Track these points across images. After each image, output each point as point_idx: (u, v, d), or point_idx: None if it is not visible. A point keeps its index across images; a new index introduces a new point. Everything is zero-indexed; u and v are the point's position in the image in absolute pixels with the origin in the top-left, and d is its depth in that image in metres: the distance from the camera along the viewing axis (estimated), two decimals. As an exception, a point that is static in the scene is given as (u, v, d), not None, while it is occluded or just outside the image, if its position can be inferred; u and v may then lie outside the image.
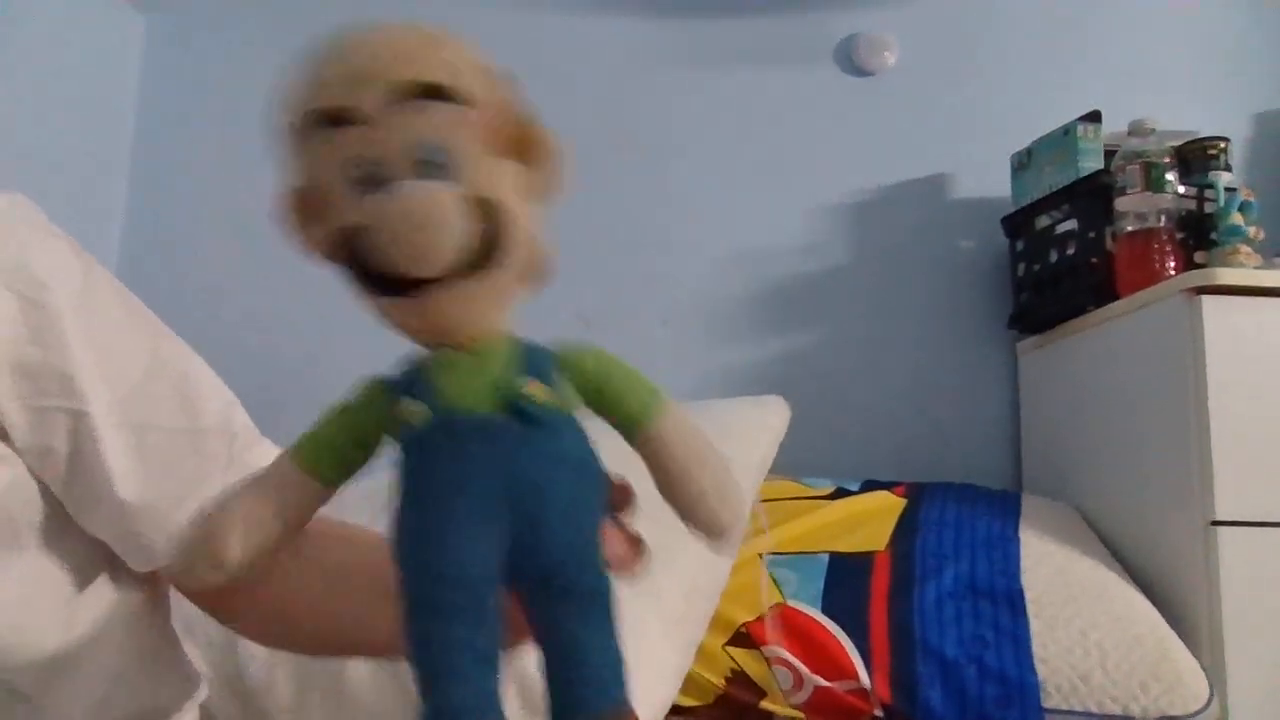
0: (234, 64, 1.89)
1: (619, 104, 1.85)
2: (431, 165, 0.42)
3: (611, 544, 0.45)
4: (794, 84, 1.86)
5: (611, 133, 1.83)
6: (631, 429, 0.46)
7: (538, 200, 0.47)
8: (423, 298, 0.41)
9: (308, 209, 0.45)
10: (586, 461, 0.44)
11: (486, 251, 0.42)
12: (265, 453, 0.65)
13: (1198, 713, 1.09)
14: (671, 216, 1.81)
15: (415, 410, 0.42)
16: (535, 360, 0.44)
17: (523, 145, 0.46)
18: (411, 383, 0.44)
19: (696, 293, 1.79)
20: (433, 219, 0.40)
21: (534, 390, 0.43)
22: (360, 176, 0.42)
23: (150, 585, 0.67)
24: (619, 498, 0.47)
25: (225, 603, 0.66)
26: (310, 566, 0.62)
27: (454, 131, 0.42)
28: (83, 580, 0.62)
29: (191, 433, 0.63)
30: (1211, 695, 1.11)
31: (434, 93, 0.42)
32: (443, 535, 0.41)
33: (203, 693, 0.72)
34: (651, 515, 1.20)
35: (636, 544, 0.47)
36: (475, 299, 0.43)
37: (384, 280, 0.41)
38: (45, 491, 0.59)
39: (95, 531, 0.61)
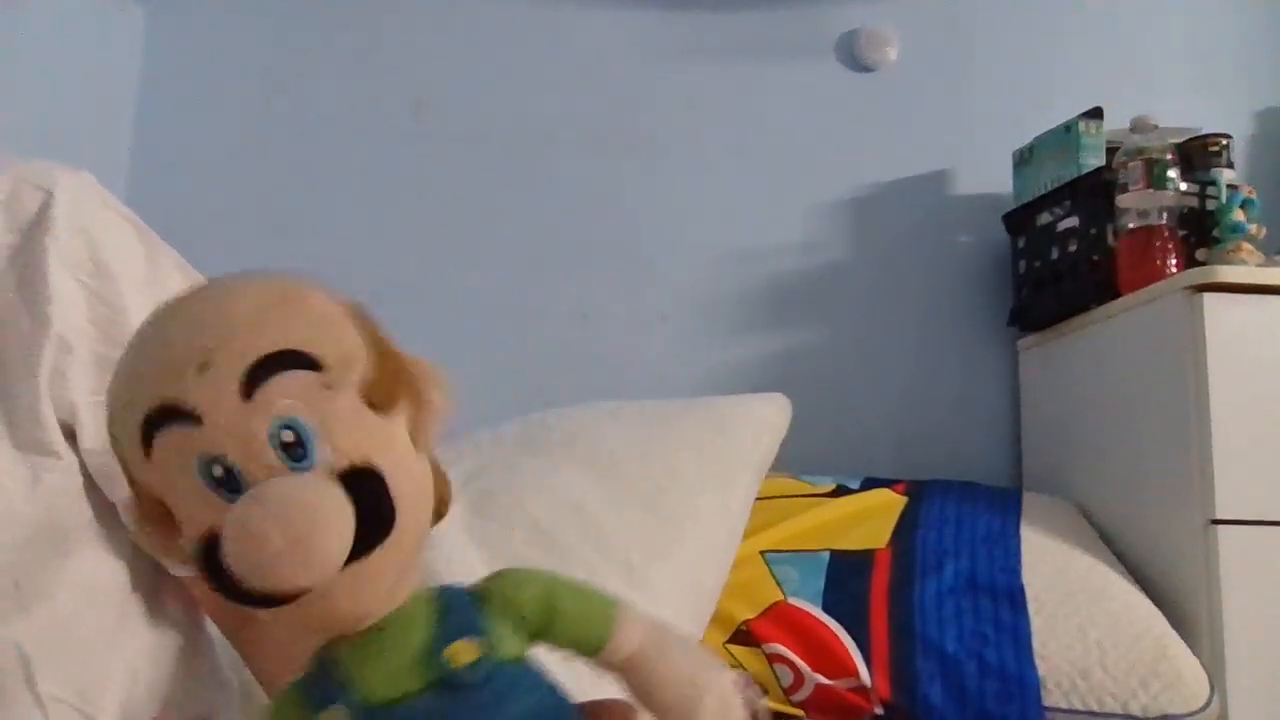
0: (234, 57, 1.88)
1: (618, 98, 1.84)
2: (289, 446, 0.37)
3: None
4: (795, 79, 1.85)
5: (610, 127, 1.83)
6: (593, 649, 0.42)
7: (428, 436, 0.42)
8: (307, 603, 0.37)
9: (161, 517, 0.40)
10: (547, 708, 0.41)
11: (372, 531, 0.37)
12: None
13: (1198, 711, 1.09)
14: (671, 212, 1.81)
15: (338, 715, 0.38)
16: (457, 612, 0.40)
17: (400, 388, 0.41)
18: (324, 685, 0.39)
19: (696, 288, 1.78)
20: (313, 530, 0.35)
21: (461, 652, 0.39)
22: (215, 477, 0.37)
23: (195, 590, 0.66)
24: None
25: (237, 630, 0.65)
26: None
27: (312, 401, 0.37)
28: (132, 587, 0.61)
29: None
30: (1211, 693, 1.11)
31: (280, 363, 0.37)
32: None
33: (236, 700, 0.72)
34: (649, 508, 1.20)
35: None
36: (369, 580, 0.38)
37: (259, 594, 0.36)
38: (91, 495, 0.58)
39: None
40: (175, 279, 0.63)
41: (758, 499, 1.26)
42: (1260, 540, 1.19)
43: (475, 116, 1.83)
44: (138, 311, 0.58)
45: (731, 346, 1.76)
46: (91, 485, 0.58)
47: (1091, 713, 1.10)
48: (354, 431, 0.38)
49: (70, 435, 0.57)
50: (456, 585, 0.42)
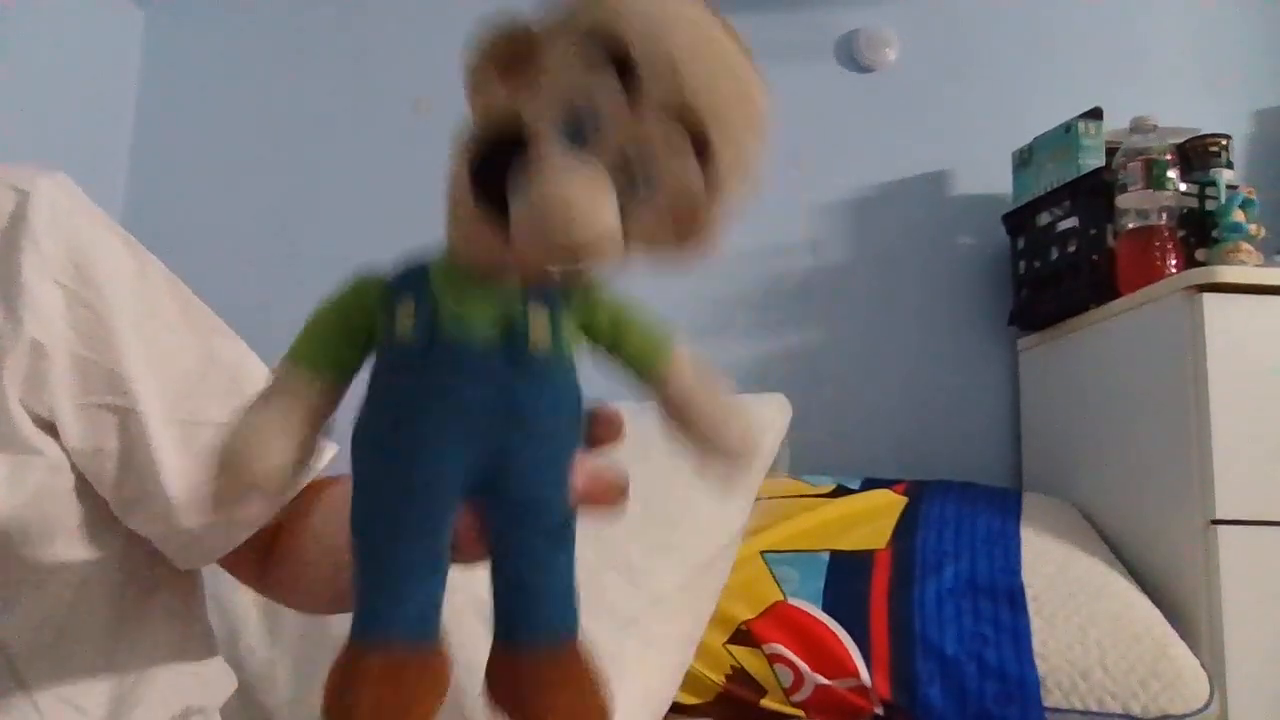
0: (234, 57, 1.89)
1: (619, 100, 1.84)
2: (633, 173, 0.38)
3: (583, 478, 0.43)
4: (794, 80, 1.85)
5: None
6: (646, 370, 0.44)
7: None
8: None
9: (511, 70, 0.40)
10: (572, 398, 0.42)
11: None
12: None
13: (1198, 711, 1.09)
14: (671, 213, 1.81)
15: (410, 319, 0.40)
16: (549, 298, 0.42)
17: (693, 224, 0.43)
18: (412, 288, 0.41)
19: (695, 289, 1.78)
20: (589, 228, 0.36)
21: (537, 324, 0.41)
22: (578, 120, 0.37)
23: (189, 583, 0.67)
24: (606, 431, 0.45)
25: (260, 567, 0.66)
26: (333, 524, 0.62)
27: (683, 155, 0.38)
28: (126, 583, 0.62)
29: None
30: (1211, 694, 1.11)
31: (704, 140, 0.38)
32: (414, 450, 0.39)
33: (232, 688, 0.72)
34: (648, 508, 1.21)
35: (613, 482, 0.46)
36: None
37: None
38: (83, 492, 0.58)
39: (142, 529, 0.60)
40: (164, 287, 0.62)
41: (758, 499, 1.26)
42: (1260, 540, 1.19)
43: (475, 117, 1.83)
44: (123, 317, 0.57)
45: (731, 347, 1.76)
46: (84, 484, 0.58)
47: (1091, 713, 1.10)
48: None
49: (54, 437, 0.56)
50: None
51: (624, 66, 0.37)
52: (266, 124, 1.86)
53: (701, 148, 0.38)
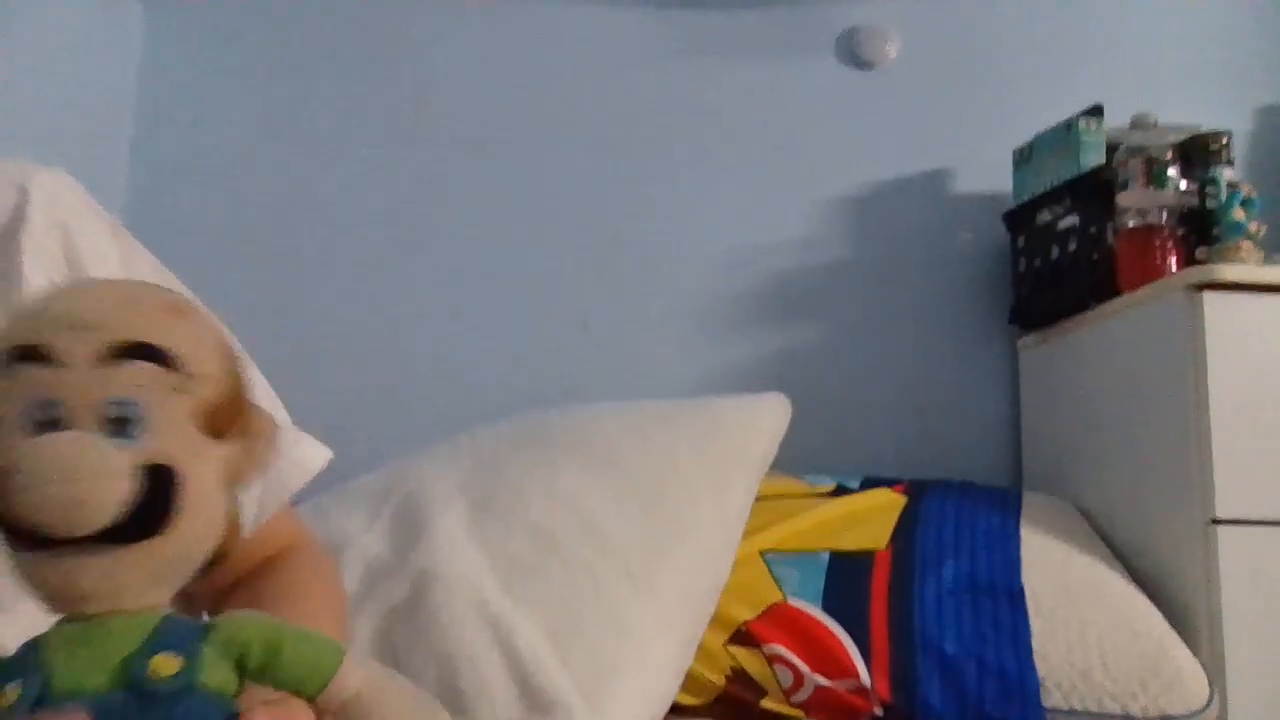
0: (234, 57, 1.88)
1: (617, 97, 1.84)
2: (117, 422, 0.39)
3: None
4: (794, 77, 1.85)
5: (610, 126, 1.83)
6: (314, 693, 0.43)
7: (240, 481, 0.44)
8: (61, 557, 0.39)
9: None
10: None
11: (148, 519, 0.39)
12: (306, 447, 0.65)
13: (1198, 711, 1.09)
14: (670, 211, 1.81)
15: (10, 695, 0.39)
16: (180, 634, 0.41)
17: (235, 426, 0.44)
18: (23, 662, 0.41)
19: (695, 288, 1.78)
20: (84, 470, 0.37)
21: (162, 664, 0.40)
22: (40, 420, 0.39)
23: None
24: None
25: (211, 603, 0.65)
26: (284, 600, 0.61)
27: (150, 392, 0.40)
28: None
29: None
30: (1211, 694, 1.11)
31: (144, 353, 0.40)
32: None
33: None
34: (648, 507, 1.20)
35: None
36: (124, 568, 0.40)
37: (22, 533, 0.38)
38: None
39: None
40: (147, 275, 0.62)
41: (757, 499, 1.26)
42: (1260, 540, 1.19)
43: (475, 117, 1.83)
44: None
45: (731, 346, 1.76)
46: None
47: (1091, 713, 1.10)
48: (175, 439, 0.41)
49: None
50: (186, 619, 0.44)
51: (35, 355, 0.40)
52: (267, 121, 1.86)
53: (148, 355, 0.41)
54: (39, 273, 0.56)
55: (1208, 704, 1.10)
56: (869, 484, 1.42)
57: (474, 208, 1.81)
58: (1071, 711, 1.10)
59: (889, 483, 1.43)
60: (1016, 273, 1.67)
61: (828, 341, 1.77)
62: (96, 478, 0.38)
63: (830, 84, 1.85)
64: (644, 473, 1.18)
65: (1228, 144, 1.51)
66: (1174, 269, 1.36)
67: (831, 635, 1.14)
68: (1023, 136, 1.66)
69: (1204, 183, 1.47)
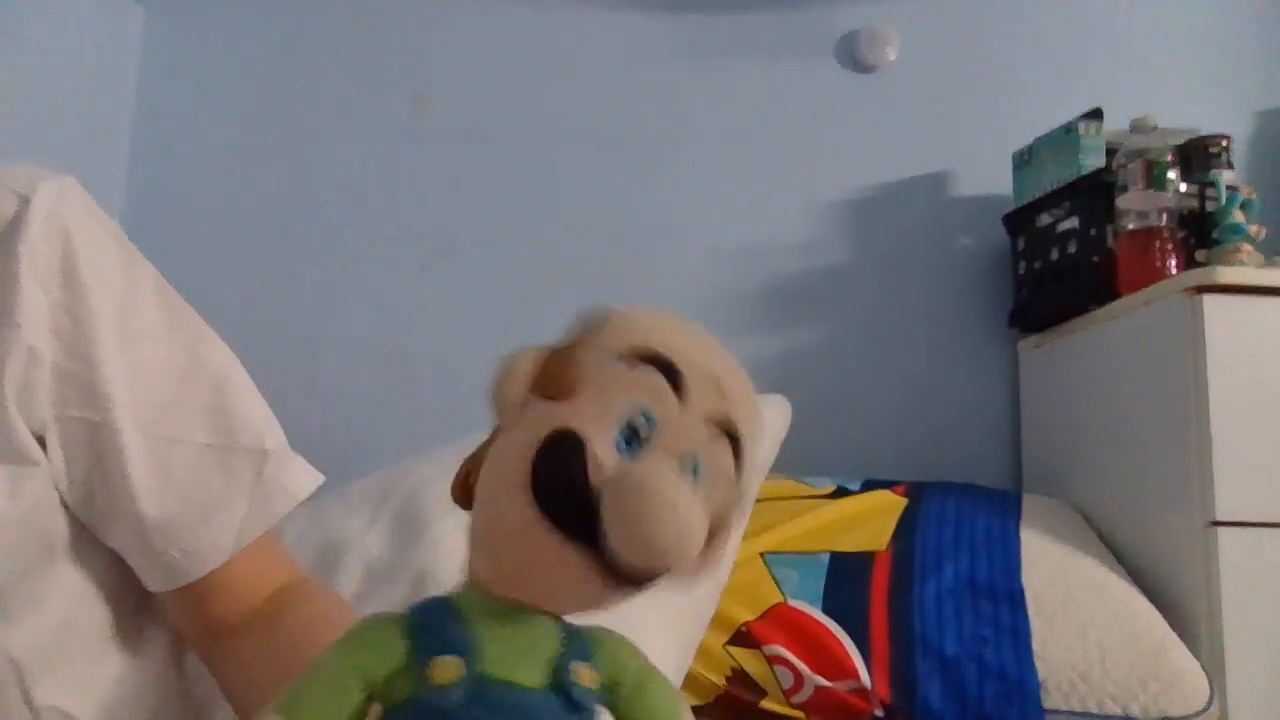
0: (234, 57, 1.88)
1: (618, 98, 1.84)
2: (693, 474, 0.39)
3: None
4: (794, 79, 1.85)
5: (610, 127, 1.83)
6: None
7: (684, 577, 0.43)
8: (572, 555, 0.37)
9: (549, 383, 0.40)
10: None
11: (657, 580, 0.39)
12: (296, 472, 0.63)
13: (1198, 713, 1.09)
14: (671, 212, 1.81)
15: (451, 669, 0.37)
16: (581, 644, 0.40)
17: (717, 538, 0.42)
18: (442, 632, 0.39)
19: (695, 289, 1.78)
20: (695, 527, 0.36)
21: (585, 675, 0.39)
22: (633, 426, 0.38)
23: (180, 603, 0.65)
24: None
25: (206, 632, 0.63)
26: (287, 655, 0.59)
27: (718, 475, 0.40)
28: (122, 593, 0.61)
29: (221, 449, 0.60)
30: (1211, 695, 1.11)
31: (733, 441, 0.40)
32: None
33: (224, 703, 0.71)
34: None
35: None
36: (603, 601, 0.39)
37: (572, 515, 0.37)
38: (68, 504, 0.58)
39: (111, 543, 0.59)
40: (150, 295, 0.61)
41: (758, 500, 1.26)
42: (1260, 542, 1.19)
43: (475, 116, 1.84)
44: (105, 326, 0.56)
45: (732, 347, 1.73)
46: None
47: (1091, 714, 1.10)
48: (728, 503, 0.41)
49: (41, 444, 0.56)
50: (573, 625, 0.42)
51: (671, 379, 0.39)
52: (267, 121, 1.86)
53: (733, 444, 0.41)
54: (35, 284, 0.55)
55: (1208, 705, 1.10)
56: (869, 486, 1.42)
57: (474, 207, 1.81)
58: (1071, 712, 1.10)
59: (889, 484, 1.43)
60: (1016, 275, 1.68)
61: (828, 343, 1.77)
62: (696, 536, 0.37)
63: (831, 86, 1.85)
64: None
65: (1228, 147, 1.52)
66: (1174, 271, 1.36)
67: (832, 636, 1.14)
68: (1023, 139, 1.66)
69: (1204, 185, 1.48)
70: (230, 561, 0.61)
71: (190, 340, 0.62)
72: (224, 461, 0.60)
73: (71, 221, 0.57)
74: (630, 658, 0.42)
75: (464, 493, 0.43)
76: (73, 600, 0.58)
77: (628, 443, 0.38)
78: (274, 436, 0.63)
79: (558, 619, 0.40)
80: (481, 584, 0.40)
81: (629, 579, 0.37)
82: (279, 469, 0.62)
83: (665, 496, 0.36)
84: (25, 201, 0.56)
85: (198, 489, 0.59)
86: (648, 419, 0.38)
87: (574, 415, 0.38)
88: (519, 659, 0.38)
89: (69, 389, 0.56)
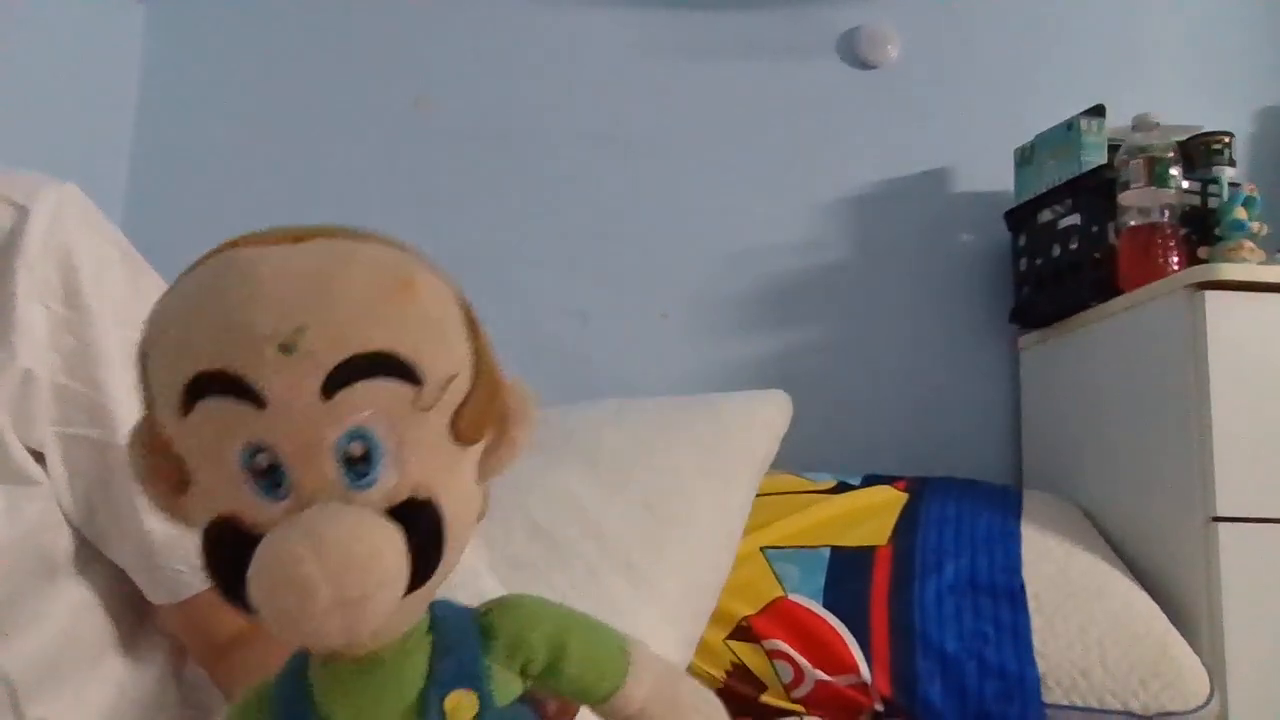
0: (234, 57, 1.88)
1: (619, 97, 1.84)
2: (353, 461, 0.32)
3: None
4: (796, 77, 1.85)
5: (610, 126, 1.83)
6: (598, 702, 0.39)
7: (498, 469, 0.37)
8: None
9: (167, 470, 0.35)
10: None
11: (417, 572, 0.33)
12: None
13: (1198, 709, 1.09)
14: (672, 210, 1.81)
15: None
16: (456, 653, 0.36)
17: (490, 419, 0.36)
18: (298, 708, 0.36)
19: (697, 286, 1.78)
20: (371, 595, 0.31)
21: (461, 706, 0.35)
22: (259, 467, 0.32)
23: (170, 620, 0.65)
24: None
25: (213, 650, 0.63)
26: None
27: (389, 416, 0.32)
28: (121, 608, 0.61)
29: None
30: (1212, 691, 1.11)
31: (382, 365, 0.32)
32: None
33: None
34: (649, 505, 1.20)
35: None
36: (401, 616, 0.35)
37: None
38: (68, 520, 0.57)
39: (115, 559, 0.59)
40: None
41: (759, 495, 1.26)
42: (1261, 538, 1.18)
43: (475, 115, 1.83)
44: (109, 343, 0.56)
45: (731, 346, 1.76)
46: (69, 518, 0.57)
47: (1092, 710, 1.10)
48: (428, 462, 0.34)
49: (40, 461, 0.56)
50: (457, 606, 0.38)
51: (231, 391, 0.32)
52: (268, 121, 1.86)
53: (379, 368, 0.32)
54: (34, 303, 0.54)
55: (1208, 701, 1.10)
56: (870, 481, 1.42)
57: (474, 206, 1.81)
58: (1072, 709, 1.10)
59: (890, 480, 1.43)
60: (1018, 272, 1.67)
61: (829, 339, 1.77)
62: (380, 584, 0.31)
63: (832, 84, 1.85)
64: (645, 470, 1.18)
65: (1230, 144, 1.52)
66: (1175, 268, 1.36)
67: (832, 631, 1.14)
68: (1023, 136, 1.66)
69: (1206, 182, 1.48)
70: None
71: None
72: None
73: (72, 235, 0.56)
74: (533, 632, 0.38)
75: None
76: (72, 614, 0.58)
77: (275, 484, 0.32)
78: None
79: (431, 630, 0.37)
80: (319, 654, 0.37)
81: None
82: None
83: (286, 564, 0.30)
84: (24, 213, 0.55)
85: None
86: (256, 452, 0.32)
87: (207, 497, 0.33)
88: (380, 718, 0.35)
89: (72, 408, 0.55)
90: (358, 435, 0.32)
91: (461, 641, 0.37)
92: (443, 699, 0.35)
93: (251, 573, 0.31)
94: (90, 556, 0.59)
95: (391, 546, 0.31)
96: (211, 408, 0.32)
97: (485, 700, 0.36)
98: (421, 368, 0.33)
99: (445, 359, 0.34)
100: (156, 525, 0.57)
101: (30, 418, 0.54)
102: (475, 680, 0.36)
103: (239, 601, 0.32)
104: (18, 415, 0.54)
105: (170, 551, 0.58)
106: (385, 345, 0.32)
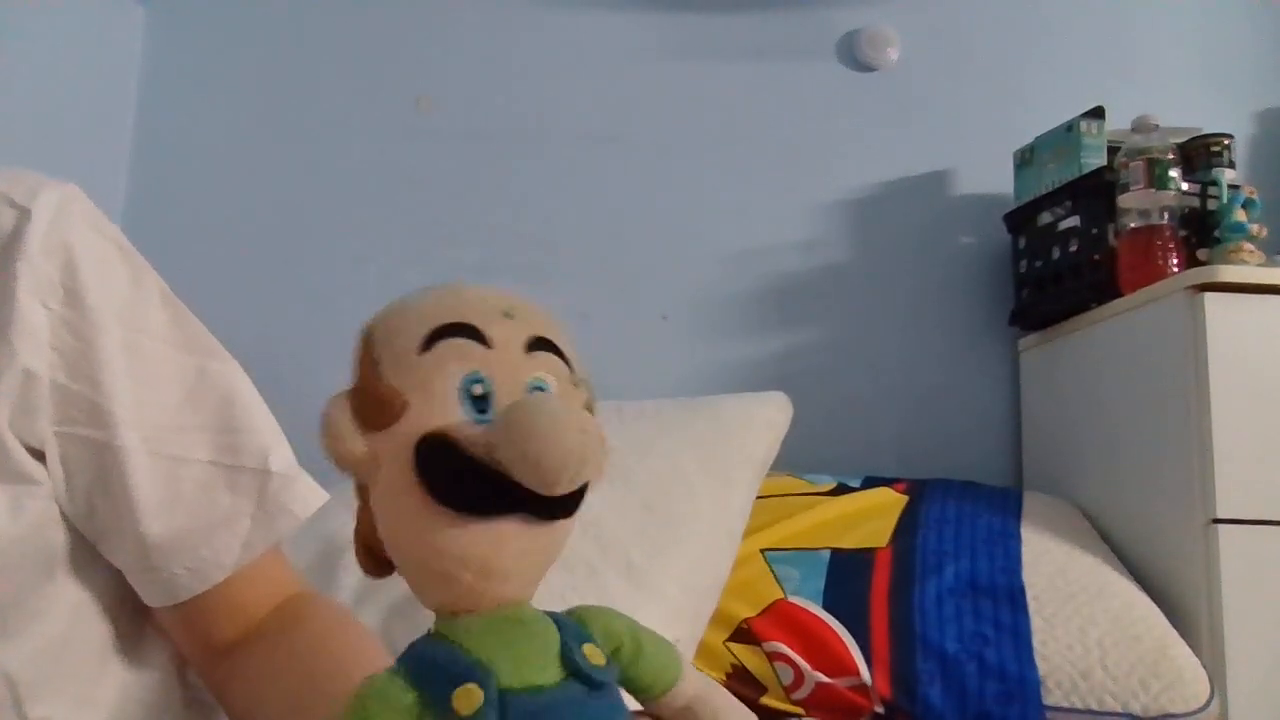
0: (234, 57, 1.89)
1: (619, 97, 1.84)
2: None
3: None
4: (795, 79, 1.85)
5: (611, 126, 1.83)
6: (663, 693, 0.45)
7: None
8: (494, 526, 0.38)
9: (379, 413, 0.41)
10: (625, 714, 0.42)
11: (577, 499, 0.40)
12: (301, 491, 0.63)
13: (1198, 710, 1.09)
14: (673, 212, 1.81)
15: (473, 696, 0.37)
16: (572, 626, 0.42)
17: None
18: (448, 667, 0.38)
19: (698, 288, 1.79)
20: (589, 428, 0.38)
21: (595, 654, 0.40)
22: (474, 394, 0.39)
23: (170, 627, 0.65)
24: None
25: (209, 654, 0.63)
26: (296, 670, 0.59)
27: (560, 383, 0.42)
28: (120, 607, 0.61)
29: (226, 468, 0.60)
30: (1212, 693, 1.11)
31: (550, 348, 0.42)
32: None
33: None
34: (649, 506, 1.20)
35: None
36: (538, 548, 0.40)
37: (480, 494, 0.38)
38: (68, 519, 0.57)
39: (112, 558, 0.59)
40: (157, 309, 0.60)
41: (758, 497, 1.26)
42: (1261, 540, 1.18)
43: (476, 115, 1.84)
44: (109, 344, 0.56)
45: (731, 347, 1.76)
46: (68, 517, 0.57)
47: (1092, 712, 1.10)
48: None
49: (41, 460, 0.55)
50: (556, 613, 0.43)
51: (470, 335, 0.41)
52: (268, 122, 1.86)
53: (553, 351, 0.43)
54: (35, 301, 0.54)
55: (1208, 703, 1.10)
56: (870, 483, 1.42)
57: (474, 205, 1.81)
58: (1072, 710, 1.10)
59: (890, 482, 1.43)
60: (1017, 273, 1.68)
61: (829, 341, 1.77)
62: (597, 438, 0.38)
63: (832, 86, 1.85)
64: (645, 471, 1.18)
65: (1229, 146, 1.52)
66: (1175, 270, 1.36)
67: (832, 633, 1.14)
68: (1023, 138, 1.66)
69: (1205, 184, 1.48)
70: (232, 578, 0.60)
71: (198, 357, 0.62)
72: (229, 480, 0.60)
73: (73, 235, 0.56)
74: (617, 622, 0.44)
75: (371, 560, 0.43)
76: (73, 613, 0.58)
77: (480, 411, 0.39)
78: (281, 454, 0.62)
79: (542, 613, 0.41)
80: (452, 612, 0.40)
81: (559, 508, 0.39)
82: (284, 488, 0.62)
83: (539, 407, 0.38)
84: (25, 214, 0.55)
85: (201, 507, 0.59)
86: (478, 381, 0.40)
87: (420, 421, 0.39)
88: (530, 663, 0.39)
89: (72, 407, 0.55)
90: (539, 385, 0.41)
91: (569, 622, 0.42)
92: (579, 646, 0.40)
93: (502, 418, 0.38)
94: (92, 556, 0.59)
95: (584, 418, 0.39)
96: (448, 344, 0.40)
97: (607, 656, 0.41)
98: (572, 361, 0.44)
99: (580, 366, 0.44)
100: (154, 528, 0.57)
101: (31, 417, 0.54)
102: (593, 641, 0.41)
103: (445, 499, 0.38)
104: (19, 414, 0.54)
105: (167, 554, 0.58)
106: (556, 338, 0.43)
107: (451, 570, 0.39)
